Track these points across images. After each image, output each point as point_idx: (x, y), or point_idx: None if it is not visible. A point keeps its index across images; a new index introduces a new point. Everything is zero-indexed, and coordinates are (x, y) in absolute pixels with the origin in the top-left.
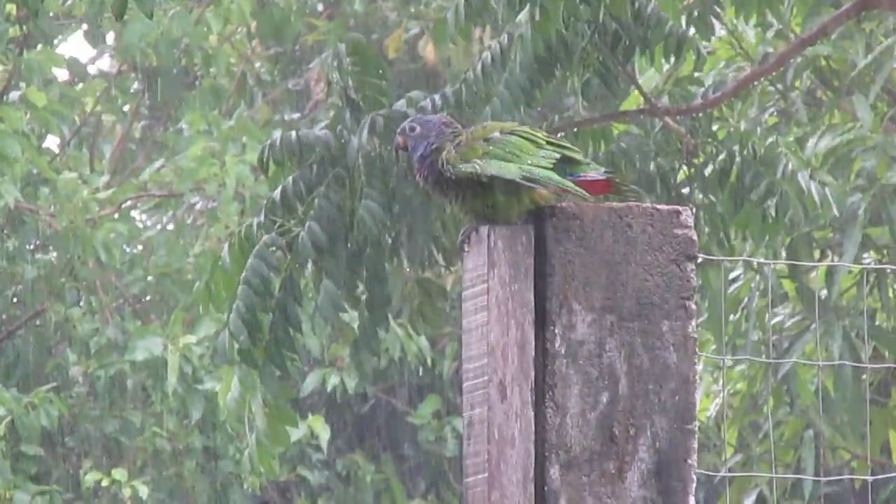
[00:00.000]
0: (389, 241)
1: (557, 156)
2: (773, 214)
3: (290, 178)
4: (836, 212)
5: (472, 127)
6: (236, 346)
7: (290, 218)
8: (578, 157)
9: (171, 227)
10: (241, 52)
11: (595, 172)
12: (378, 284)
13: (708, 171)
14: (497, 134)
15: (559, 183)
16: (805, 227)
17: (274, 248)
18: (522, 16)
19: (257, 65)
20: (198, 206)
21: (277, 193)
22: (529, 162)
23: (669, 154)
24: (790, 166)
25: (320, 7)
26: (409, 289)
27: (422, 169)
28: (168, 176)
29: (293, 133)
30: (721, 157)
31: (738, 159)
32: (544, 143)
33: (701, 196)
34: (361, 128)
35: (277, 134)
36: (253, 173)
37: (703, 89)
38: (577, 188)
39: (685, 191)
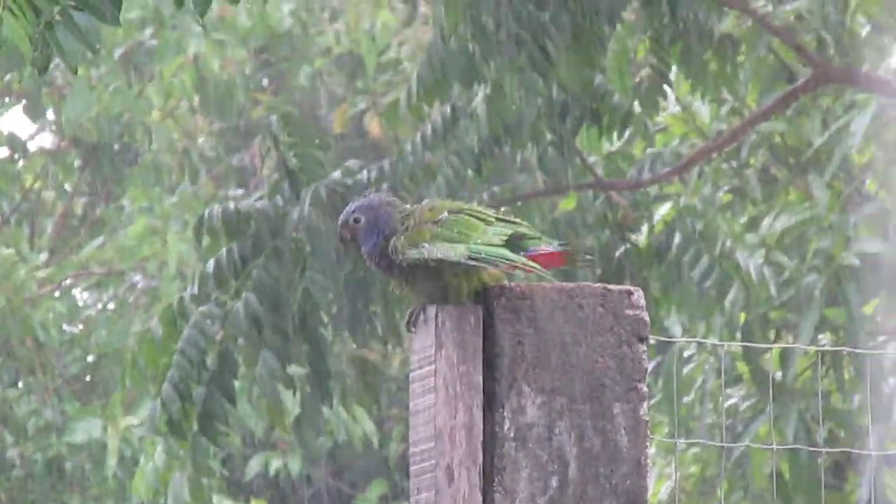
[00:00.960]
0: (329, 316)
1: (508, 232)
2: (714, 294)
3: (224, 250)
4: (773, 291)
5: (418, 207)
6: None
7: (223, 291)
8: (530, 232)
9: (111, 306)
10: (184, 128)
11: (548, 245)
12: (320, 359)
13: (644, 245)
14: (445, 215)
15: (508, 259)
16: (745, 307)
17: (210, 321)
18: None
19: (200, 140)
20: (139, 285)
21: (211, 265)
22: (479, 241)
23: (607, 227)
24: (728, 243)
25: (265, 82)
26: (344, 367)
27: (372, 256)
28: (109, 253)
29: (231, 204)
30: (657, 230)
31: (677, 235)
32: (494, 220)
33: (634, 272)
34: (303, 199)
35: (215, 206)
36: (196, 251)
37: (633, 167)
38: (528, 262)
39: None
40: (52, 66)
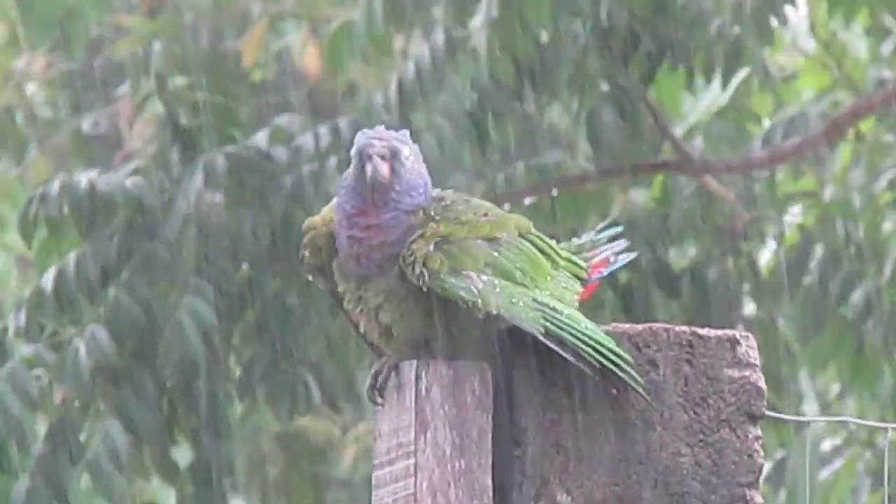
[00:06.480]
0: (237, 369)
1: (578, 288)
2: (879, 342)
3: (73, 256)
4: None
5: (452, 197)
6: None
7: (70, 321)
8: (584, 274)
9: None
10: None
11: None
12: (213, 439)
13: (767, 265)
14: (505, 235)
15: (610, 357)
16: None
17: (37, 370)
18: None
19: (30, 88)
20: None
21: (49, 279)
22: (548, 293)
23: (702, 237)
24: None
25: None
26: (263, 452)
27: (377, 232)
28: None
29: (83, 179)
30: (788, 244)
31: (817, 249)
32: (561, 259)
33: (755, 309)
34: (195, 170)
35: (54, 184)
36: (17, 266)
37: (763, 132)
38: (635, 375)
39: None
40: None
